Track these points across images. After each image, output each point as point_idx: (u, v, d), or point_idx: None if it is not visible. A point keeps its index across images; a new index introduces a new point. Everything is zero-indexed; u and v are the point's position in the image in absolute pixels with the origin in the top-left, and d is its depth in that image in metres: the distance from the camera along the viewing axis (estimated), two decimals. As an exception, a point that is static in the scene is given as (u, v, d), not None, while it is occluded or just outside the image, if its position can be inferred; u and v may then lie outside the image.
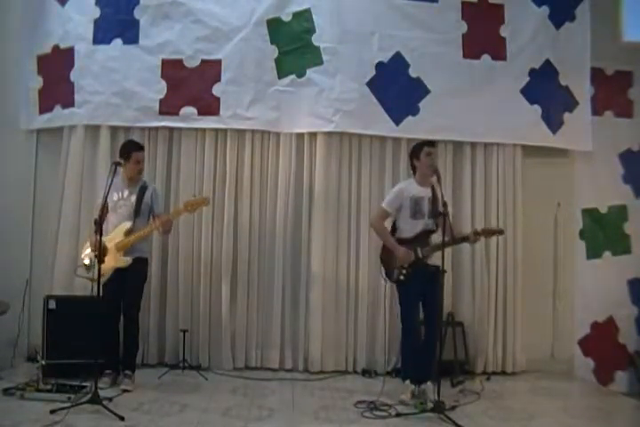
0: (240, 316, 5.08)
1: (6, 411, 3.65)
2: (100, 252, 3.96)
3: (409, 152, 4.50)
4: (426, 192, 4.27)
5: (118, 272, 4.31)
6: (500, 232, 4.40)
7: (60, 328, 4.39)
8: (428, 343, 4.20)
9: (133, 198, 4.43)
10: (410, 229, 4.25)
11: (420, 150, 4.30)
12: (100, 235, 3.97)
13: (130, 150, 4.47)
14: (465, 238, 4.23)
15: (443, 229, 3.96)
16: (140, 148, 4.55)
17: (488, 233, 4.30)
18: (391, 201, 4.33)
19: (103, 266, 4.01)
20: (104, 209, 4.08)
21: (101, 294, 3.92)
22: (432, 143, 4.37)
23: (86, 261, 4.37)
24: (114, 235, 4.36)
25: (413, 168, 4.40)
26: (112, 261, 4.27)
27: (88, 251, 4.39)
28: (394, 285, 4.51)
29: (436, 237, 4.19)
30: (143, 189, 4.48)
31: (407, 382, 4.26)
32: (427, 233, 4.24)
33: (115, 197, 4.41)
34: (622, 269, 5.40)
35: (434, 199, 4.23)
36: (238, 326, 5.08)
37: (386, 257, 4.34)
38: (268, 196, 5.17)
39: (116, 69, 5.06)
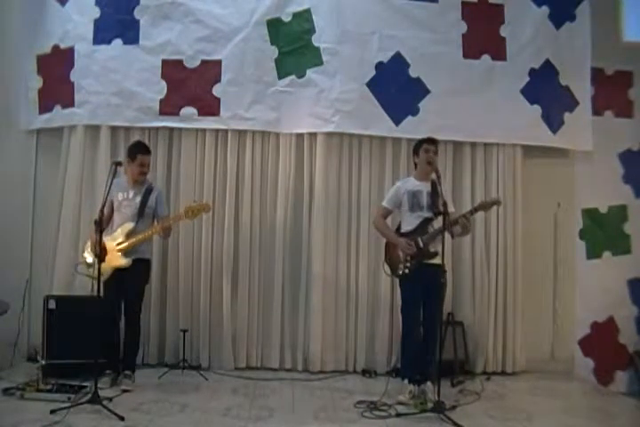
0: (240, 316, 5.08)
1: (6, 411, 3.65)
2: (100, 252, 3.96)
3: (413, 149, 4.52)
4: (424, 186, 4.31)
5: (118, 272, 4.30)
6: (498, 203, 4.34)
7: (60, 328, 4.39)
8: (427, 343, 4.21)
9: (138, 200, 4.43)
10: (410, 222, 4.30)
11: (420, 147, 4.38)
12: (100, 235, 3.98)
13: (136, 152, 4.47)
14: (460, 218, 4.17)
15: (443, 227, 3.97)
16: (147, 151, 4.53)
17: (485, 207, 4.28)
18: (390, 198, 4.43)
19: (103, 265, 4.01)
20: (103, 210, 4.07)
21: (101, 293, 3.92)
22: (432, 140, 4.39)
23: (89, 260, 4.37)
24: (116, 235, 4.37)
25: (415, 164, 4.47)
26: (112, 261, 4.28)
27: (88, 249, 4.40)
28: (395, 284, 4.51)
29: (436, 224, 4.23)
30: (148, 191, 4.48)
31: (405, 381, 4.27)
32: (425, 222, 4.25)
33: (120, 196, 4.44)
34: (622, 269, 5.39)
35: (433, 193, 4.25)
36: (238, 325, 5.08)
37: (390, 256, 4.37)
38: (268, 196, 5.17)
39: (117, 69, 5.06)
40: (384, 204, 4.46)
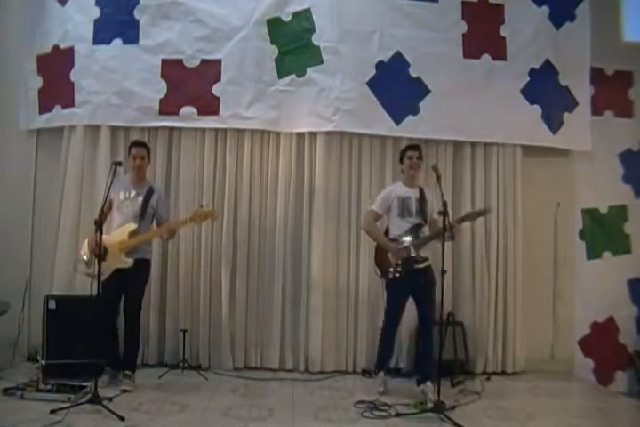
0: (240, 316, 5.08)
1: (6, 411, 3.65)
2: (100, 252, 3.95)
3: (399, 157, 4.64)
4: (413, 192, 4.42)
5: (119, 272, 4.28)
6: (486, 212, 4.39)
7: (60, 328, 4.39)
8: (426, 343, 4.25)
9: (140, 200, 4.43)
10: (399, 227, 4.36)
11: (404, 154, 4.52)
12: (101, 235, 3.97)
13: (130, 146, 4.57)
14: (451, 226, 4.15)
15: (443, 227, 3.98)
16: (139, 144, 4.57)
17: (471, 217, 4.33)
18: (380, 203, 4.49)
19: (104, 265, 4.01)
20: (103, 210, 4.07)
21: (100, 292, 3.91)
22: (413, 147, 4.53)
23: (85, 258, 4.35)
24: (117, 234, 4.35)
25: (402, 171, 4.58)
26: (114, 262, 4.25)
27: (85, 247, 4.38)
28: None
29: (425, 231, 4.36)
30: (150, 192, 4.48)
31: (381, 373, 4.40)
32: (416, 228, 4.31)
33: (121, 195, 4.43)
34: (622, 269, 5.40)
35: (421, 200, 4.36)
36: (238, 326, 5.08)
37: (380, 259, 4.40)
38: (267, 195, 5.17)
39: (116, 69, 5.06)
40: (374, 208, 4.50)
